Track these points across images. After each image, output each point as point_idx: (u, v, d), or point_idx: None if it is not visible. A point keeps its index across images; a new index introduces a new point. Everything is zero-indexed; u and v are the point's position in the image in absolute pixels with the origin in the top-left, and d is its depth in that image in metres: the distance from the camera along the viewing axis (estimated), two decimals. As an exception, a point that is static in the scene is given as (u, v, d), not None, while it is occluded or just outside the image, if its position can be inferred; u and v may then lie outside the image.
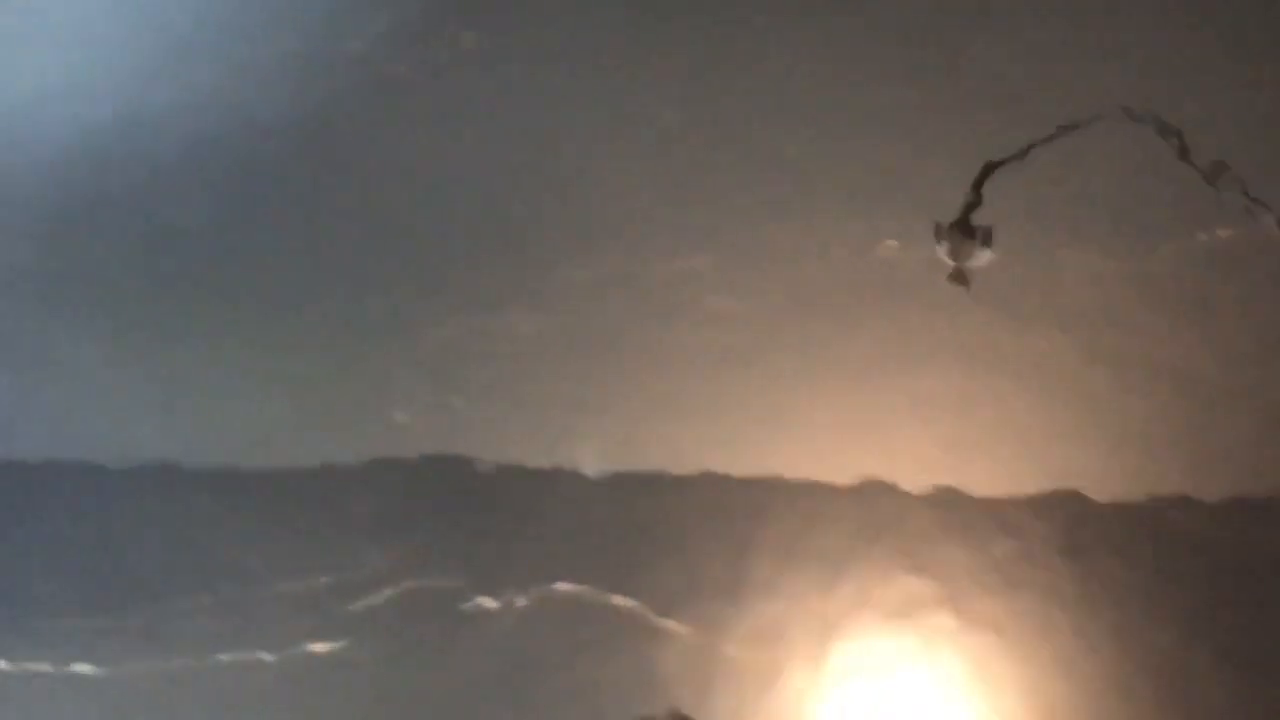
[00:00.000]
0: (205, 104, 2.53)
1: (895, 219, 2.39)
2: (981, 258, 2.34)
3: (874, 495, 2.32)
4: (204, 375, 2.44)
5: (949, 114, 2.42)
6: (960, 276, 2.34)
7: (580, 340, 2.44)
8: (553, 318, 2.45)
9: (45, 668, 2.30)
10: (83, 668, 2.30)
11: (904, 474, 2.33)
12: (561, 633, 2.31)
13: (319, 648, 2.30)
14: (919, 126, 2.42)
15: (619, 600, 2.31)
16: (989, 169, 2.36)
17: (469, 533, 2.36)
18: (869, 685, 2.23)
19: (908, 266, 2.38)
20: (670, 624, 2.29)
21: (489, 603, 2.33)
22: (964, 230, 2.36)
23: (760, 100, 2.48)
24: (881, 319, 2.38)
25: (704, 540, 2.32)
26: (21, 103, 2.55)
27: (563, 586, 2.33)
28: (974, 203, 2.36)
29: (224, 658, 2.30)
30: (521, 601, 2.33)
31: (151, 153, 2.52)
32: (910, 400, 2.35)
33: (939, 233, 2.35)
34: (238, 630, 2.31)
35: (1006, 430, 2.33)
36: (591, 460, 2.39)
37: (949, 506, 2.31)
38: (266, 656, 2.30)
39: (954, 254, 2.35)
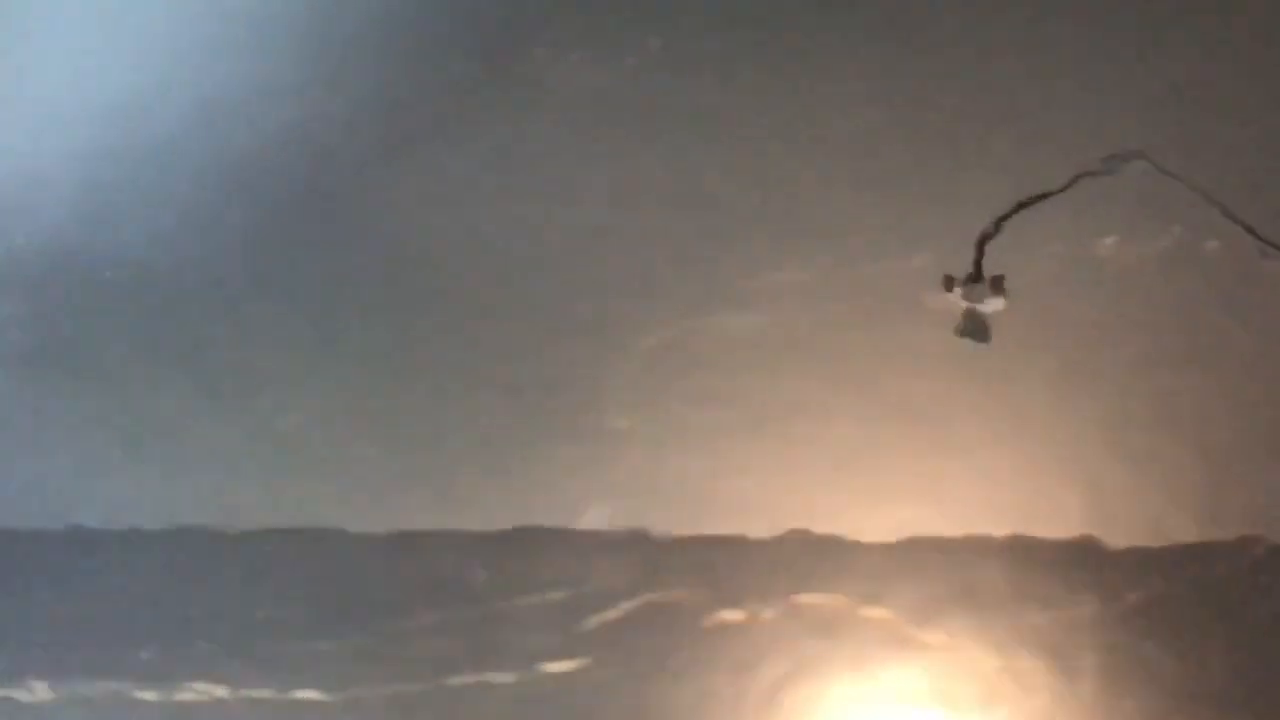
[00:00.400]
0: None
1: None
2: (995, 305, 2.30)
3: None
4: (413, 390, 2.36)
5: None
6: (979, 330, 2.30)
7: (793, 341, 2.35)
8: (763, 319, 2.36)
9: (267, 694, 2.18)
10: (308, 694, 2.18)
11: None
12: (807, 645, 2.19)
13: (555, 667, 2.18)
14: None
15: (869, 611, 2.20)
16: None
17: (703, 543, 2.25)
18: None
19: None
20: (923, 634, 2.17)
21: (733, 615, 2.21)
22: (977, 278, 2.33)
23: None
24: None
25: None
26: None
27: (807, 598, 2.21)
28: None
29: (455, 681, 2.18)
30: (767, 614, 2.21)
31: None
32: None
33: (949, 283, 2.32)
34: (470, 651, 2.19)
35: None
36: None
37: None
38: (501, 678, 2.18)
39: (968, 299, 2.31)
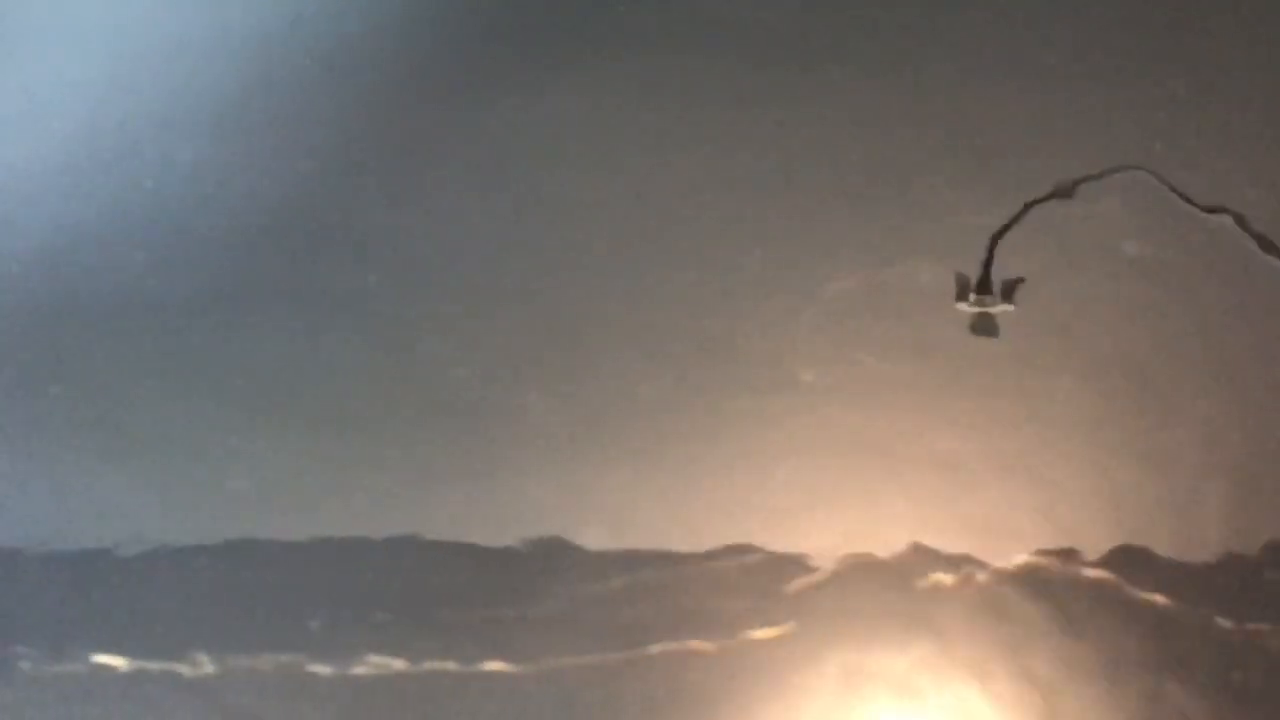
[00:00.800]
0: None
1: None
2: (1007, 307, 2.24)
3: None
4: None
5: None
6: (988, 327, 2.23)
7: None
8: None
9: (451, 666, 2.02)
10: (494, 665, 2.02)
11: None
12: (1017, 610, 2.05)
13: (759, 634, 2.03)
14: None
15: (1090, 573, 2.06)
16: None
17: (911, 500, 2.12)
18: None
19: None
20: (1154, 597, 2.04)
21: (944, 578, 2.07)
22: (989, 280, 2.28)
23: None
24: None
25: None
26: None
27: (1022, 559, 2.08)
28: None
29: (655, 649, 2.03)
30: (981, 576, 2.07)
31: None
32: None
33: (961, 282, 2.26)
34: (669, 618, 2.04)
35: None
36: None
37: None
38: (703, 645, 2.03)
39: (979, 303, 2.24)
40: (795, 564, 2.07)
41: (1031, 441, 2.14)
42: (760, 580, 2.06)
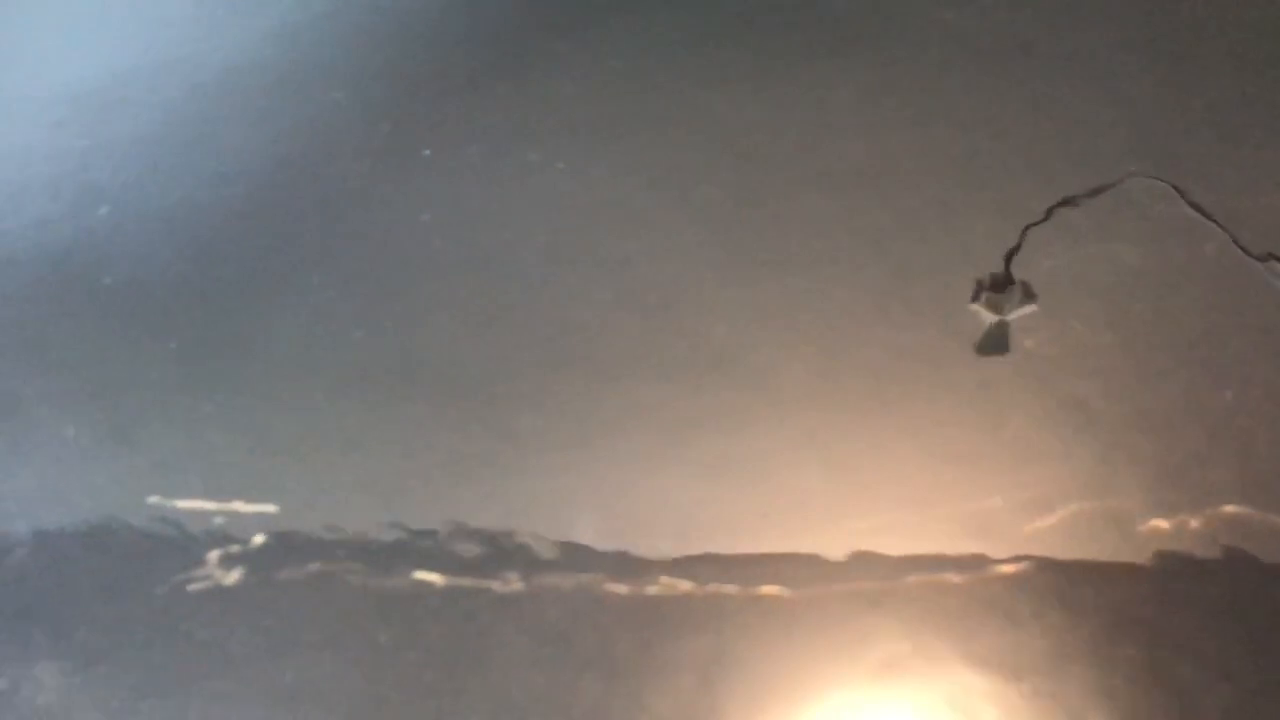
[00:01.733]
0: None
1: None
2: (1023, 312, 2.42)
3: None
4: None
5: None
6: (1000, 342, 2.41)
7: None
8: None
9: (732, 590, 2.27)
10: (770, 589, 2.27)
11: None
12: (1228, 558, 2.32)
13: (1003, 570, 2.30)
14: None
15: (1289, 523, 2.33)
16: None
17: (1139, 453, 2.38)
18: None
19: None
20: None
21: (1161, 524, 2.34)
22: (1005, 284, 2.44)
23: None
24: None
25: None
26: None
27: (1232, 509, 2.35)
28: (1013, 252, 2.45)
29: (912, 579, 2.29)
30: (1194, 524, 2.34)
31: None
32: None
33: (978, 289, 2.43)
34: (923, 550, 2.30)
35: None
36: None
37: None
38: (954, 578, 2.29)
39: (994, 309, 2.41)
40: (1032, 508, 2.34)
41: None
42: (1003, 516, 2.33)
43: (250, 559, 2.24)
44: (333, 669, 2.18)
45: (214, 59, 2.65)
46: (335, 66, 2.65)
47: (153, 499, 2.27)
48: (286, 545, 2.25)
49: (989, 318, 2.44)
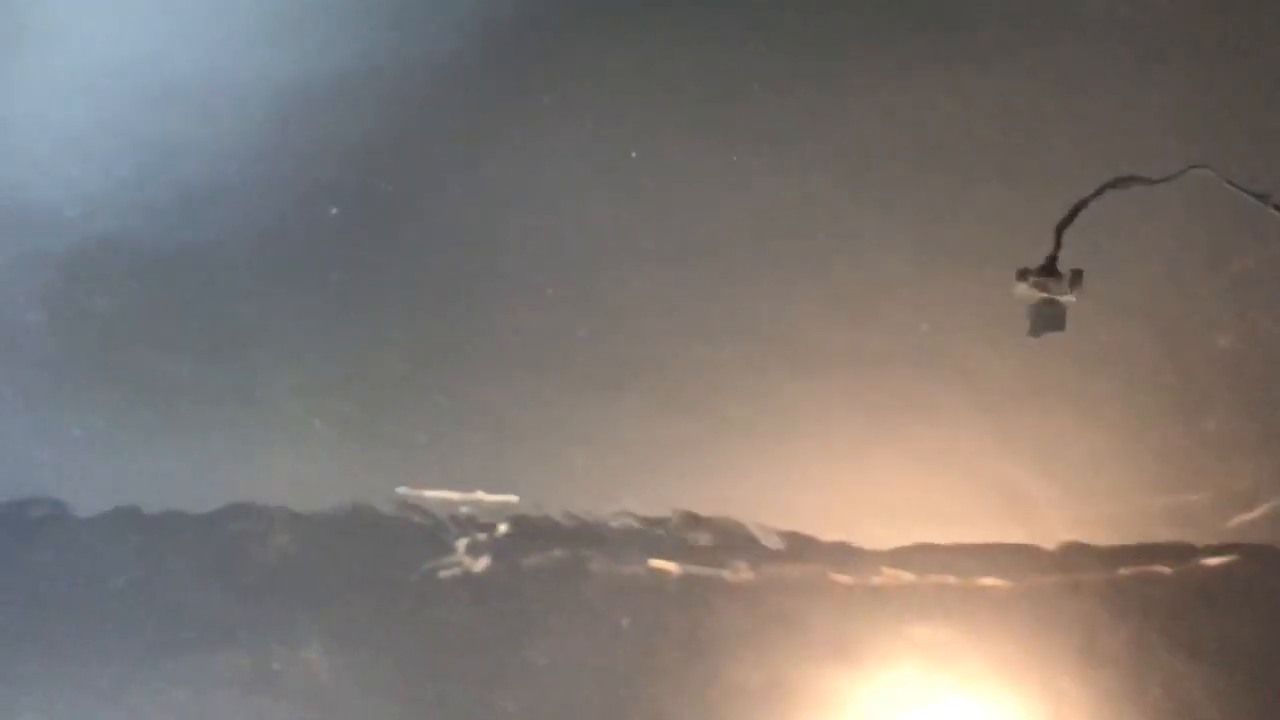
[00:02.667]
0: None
1: None
2: (1071, 300, 2.43)
3: None
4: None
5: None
6: (1054, 320, 2.43)
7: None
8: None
9: (951, 580, 2.38)
10: (988, 580, 2.38)
11: None
12: None
13: (1210, 561, 2.40)
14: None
15: None
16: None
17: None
18: None
19: None
20: None
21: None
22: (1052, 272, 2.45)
23: None
24: None
25: None
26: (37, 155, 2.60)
27: None
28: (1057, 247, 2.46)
29: (1122, 570, 2.39)
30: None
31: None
32: None
33: (1024, 275, 2.44)
34: (1131, 541, 2.40)
35: None
36: None
37: None
38: (1163, 569, 2.39)
39: (1041, 286, 2.43)
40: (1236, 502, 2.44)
41: None
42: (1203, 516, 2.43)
43: (496, 547, 2.36)
44: (579, 651, 2.31)
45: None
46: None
47: (401, 489, 2.39)
48: (529, 534, 2.37)
49: (1041, 295, 2.45)
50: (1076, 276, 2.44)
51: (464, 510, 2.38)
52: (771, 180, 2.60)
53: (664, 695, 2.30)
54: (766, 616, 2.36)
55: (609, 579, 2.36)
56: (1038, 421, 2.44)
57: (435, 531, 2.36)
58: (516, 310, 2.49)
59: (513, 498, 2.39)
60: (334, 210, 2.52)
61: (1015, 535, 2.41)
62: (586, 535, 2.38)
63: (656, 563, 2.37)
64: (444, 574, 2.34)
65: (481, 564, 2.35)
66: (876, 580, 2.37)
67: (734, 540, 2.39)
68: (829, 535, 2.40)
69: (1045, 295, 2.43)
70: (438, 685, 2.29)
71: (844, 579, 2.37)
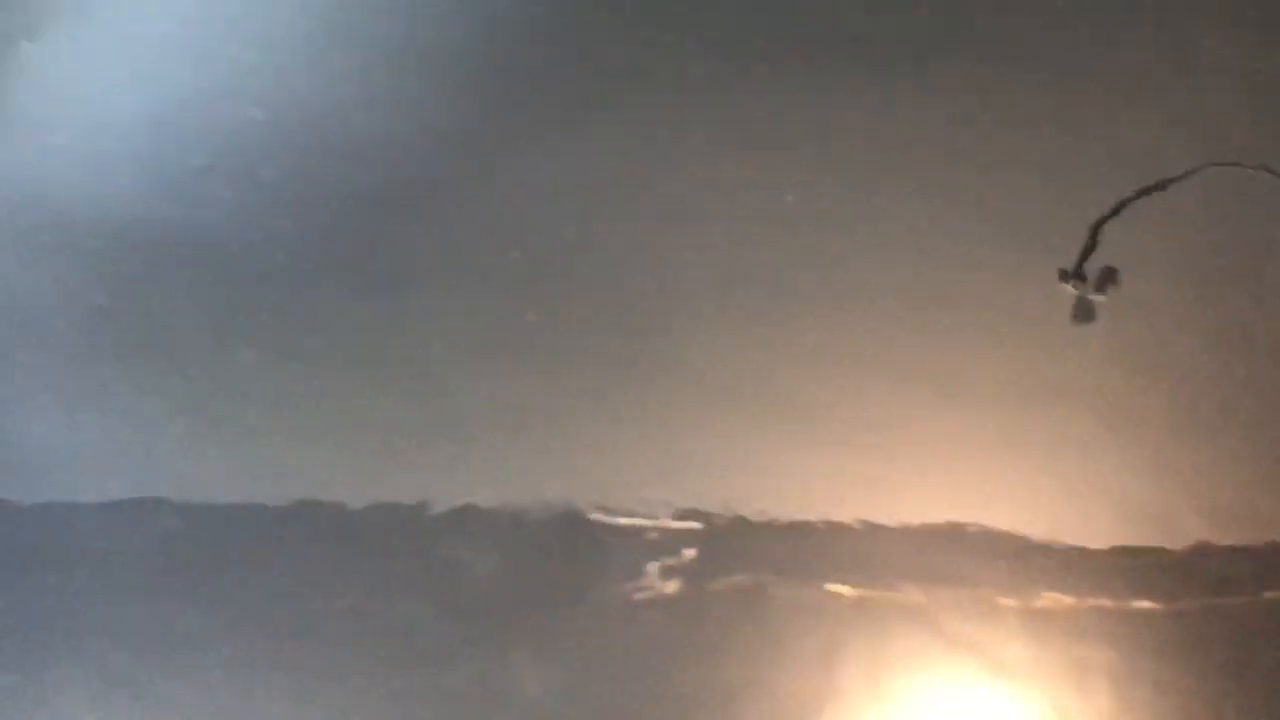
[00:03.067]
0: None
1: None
2: (1104, 297, 2.58)
3: None
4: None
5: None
6: (1086, 312, 2.58)
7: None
8: None
9: (1106, 602, 2.54)
10: (1141, 603, 2.54)
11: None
12: None
13: None
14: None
15: None
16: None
17: None
18: None
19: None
20: None
21: None
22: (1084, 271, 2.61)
23: None
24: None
25: None
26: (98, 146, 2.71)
27: None
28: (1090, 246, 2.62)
29: (1267, 594, 2.56)
30: None
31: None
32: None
33: (1064, 274, 2.60)
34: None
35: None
36: None
37: None
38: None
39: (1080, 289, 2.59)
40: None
41: None
42: None
43: (685, 571, 2.51)
44: (768, 671, 2.45)
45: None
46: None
47: (595, 515, 2.54)
48: (713, 559, 2.52)
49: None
50: (1106, 276, 2.58)
51: (653, 536, 2.53)
52: (910, 218, 2.74)
53: (846, 713, 2.44)
54: (939, 638, 2.50)
55: (790, 602, 2.50)
56: (1182, 453, 2.60)
57: (628, 555, 2.50)
58: (695, 339, 2.64)
59: (697, 525, 2.54)
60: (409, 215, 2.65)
61: (1170, 560, 2.56)
62: (767, 561, 2.53)
63: (832, 586, 2.52)
64: (638, 596, 2.48)
65: (672, 587, 2.50)
66: (1039, 603, 2.53)
67: (907, 564, 2.55)
68: (995, 560, 2.55)
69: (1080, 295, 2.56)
70: (646, 702, 2.41)
71: (1009, 602, 2.53)
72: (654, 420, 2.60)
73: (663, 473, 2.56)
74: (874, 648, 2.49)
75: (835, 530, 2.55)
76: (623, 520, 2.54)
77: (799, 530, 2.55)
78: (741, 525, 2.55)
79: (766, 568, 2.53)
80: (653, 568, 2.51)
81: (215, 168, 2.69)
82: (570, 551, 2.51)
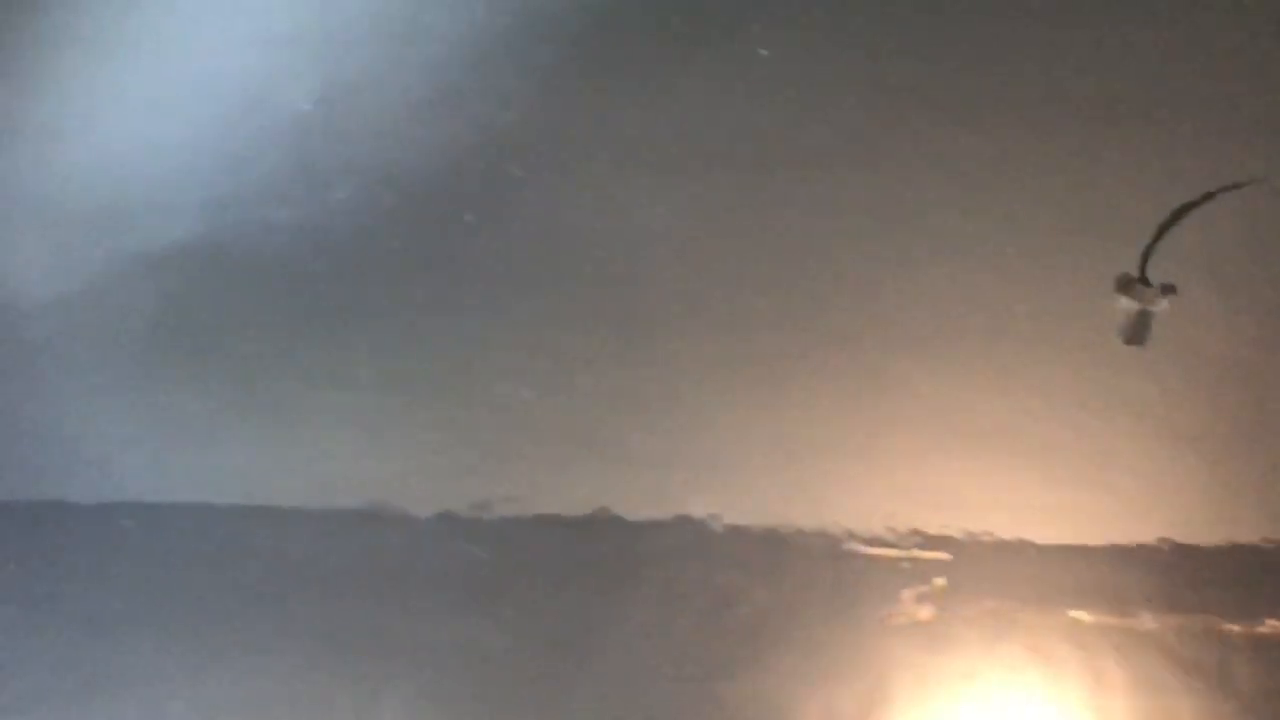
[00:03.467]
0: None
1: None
2: (1161, 308, 2.53)
3: None
4: None
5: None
6: (1138, 333, 2.54)
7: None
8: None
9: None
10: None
11: None
12: None
13: None
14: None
15: None
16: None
17: None
18: None
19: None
20: None
21: None
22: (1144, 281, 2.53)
23: None
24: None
25: None
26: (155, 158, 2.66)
27: None
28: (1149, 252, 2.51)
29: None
30: None
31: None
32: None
33: (1120, 284, 2.54)
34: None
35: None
36: None
37: None
38: None
39: (1139, 297, 2.51)
40: None
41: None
42: None
43: (936, 598, 2.65)
44: (1017, 695, 2.60)
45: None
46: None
47: (848, 545, 2.68)
48: (962, 588, 2.67)
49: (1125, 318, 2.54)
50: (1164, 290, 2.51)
51: (905, 566, 2.67)
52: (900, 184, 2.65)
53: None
54: (1167, 660, 2.66)
55: (1037, 627, 2.65)
56: None
57: (883, 583, 2.65)
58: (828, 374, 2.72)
59: (945, 555, 2.69)
60: (468, 216, 2.61)
61: None
62: (1014, 590, 2.68)
63: (1074, 613, 2.67)
64: (895, 621, 2.63)
65: (925, 613, 2.64)
66: (1263, 630, 2.70)
67: (1133, 591, 2.70)
68: (1221, 581, 2.71)
69: (1141, 307, 2.51)
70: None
71: (1233, 628, 2.70)
72: (898, 452, 2.72)
73: (910, 508, 2.70)
74: (1099, 669, 2.64)
75: (1079, 553, 2.70)
76: (874, 551, 2.68)
77: (1046, 554, 2.70)
78: (987, 552, 2.70)
79: (1012, 595, 2.68)
80: (907, 595, 2.65)
81: (279, 182, 2.65)
82: (832, 578, 2.65)
